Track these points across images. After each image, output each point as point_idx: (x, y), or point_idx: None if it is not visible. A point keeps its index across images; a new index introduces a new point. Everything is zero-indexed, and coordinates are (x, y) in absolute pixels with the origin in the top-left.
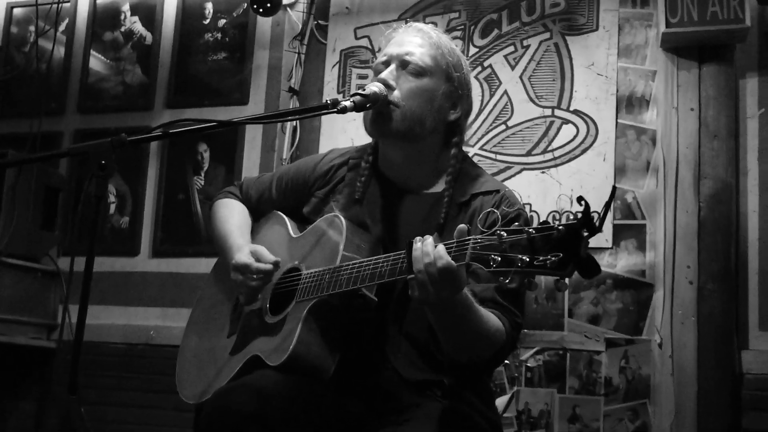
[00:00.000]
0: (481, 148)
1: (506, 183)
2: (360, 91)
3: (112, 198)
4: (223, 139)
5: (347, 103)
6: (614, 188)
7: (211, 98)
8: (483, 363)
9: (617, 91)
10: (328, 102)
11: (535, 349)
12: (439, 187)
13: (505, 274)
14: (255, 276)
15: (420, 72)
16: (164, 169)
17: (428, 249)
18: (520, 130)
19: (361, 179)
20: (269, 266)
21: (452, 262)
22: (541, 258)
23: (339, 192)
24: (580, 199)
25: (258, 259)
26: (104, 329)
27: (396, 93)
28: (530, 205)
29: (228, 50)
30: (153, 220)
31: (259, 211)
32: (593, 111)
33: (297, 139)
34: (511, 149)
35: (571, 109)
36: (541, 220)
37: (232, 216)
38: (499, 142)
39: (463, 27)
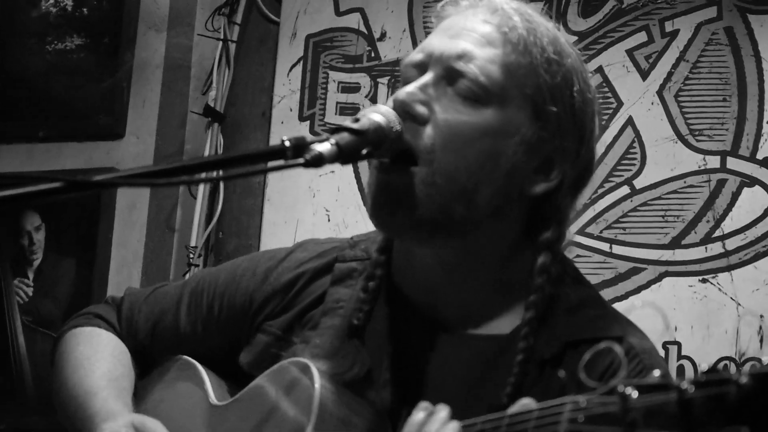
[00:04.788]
0: (582, 233)
1: (631, 299)
2: (349, 124)
3: None
4: (73, 208)
5: (324, 147)
6: None
7: (54, 126)
8: None
9: None
10: (286, 143)
11: None
12: (508, 323)
13: None
14: None
15: (478, 96)
16: None
17: (431, 428)
18: (659, 198)
19: (363, 302)
20: None
21: None
22: None
23: (313, 325)
24: None
25: None
26: None
27: (428, 133)
28: (678, 344)
29: (87, 31)
30: None
31: (151, 355)
32: None
33: (219, 210)
34: (640, 234)
35: (760, 156)
36: (702, 368)
37: (97, 359)
38: (617, 221)
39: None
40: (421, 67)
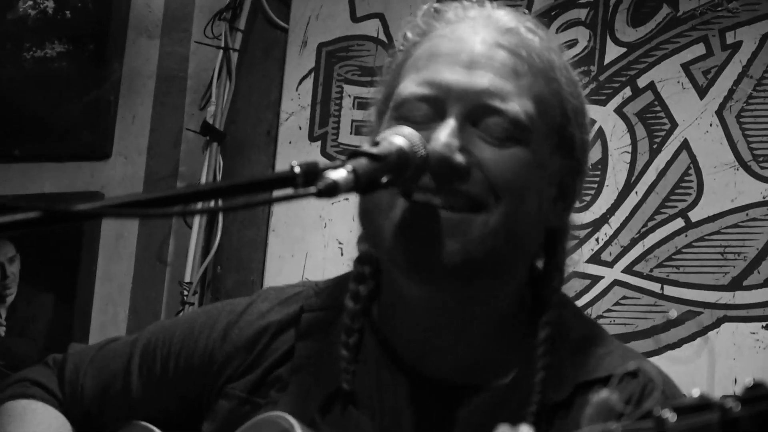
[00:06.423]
0: (629, 272)
1: (685, 347)
2: (368, 148)
3: None
4: (52, 238)
5: (339, 175)
6: None
7: (31, 144)
8: None
9: None
10: (296, 169)
11: None
12: (505, 373)
13: None
14: None
15: (513, 135)
16: None
17: None
18: (718, 233)
19: (348, 362)
20: None
21: None
22: None
23: (282, 386)
24: None
25: None
26: None
27: (477, 180)
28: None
29: (70, 37)
30: None
31: (101, 421)
32: None
33: (217, 241)
34: (696, 274)
35: None
36: (747, 383)
37: None
38: (669, 258)
39: (589, 5)
40: (433, 103)
